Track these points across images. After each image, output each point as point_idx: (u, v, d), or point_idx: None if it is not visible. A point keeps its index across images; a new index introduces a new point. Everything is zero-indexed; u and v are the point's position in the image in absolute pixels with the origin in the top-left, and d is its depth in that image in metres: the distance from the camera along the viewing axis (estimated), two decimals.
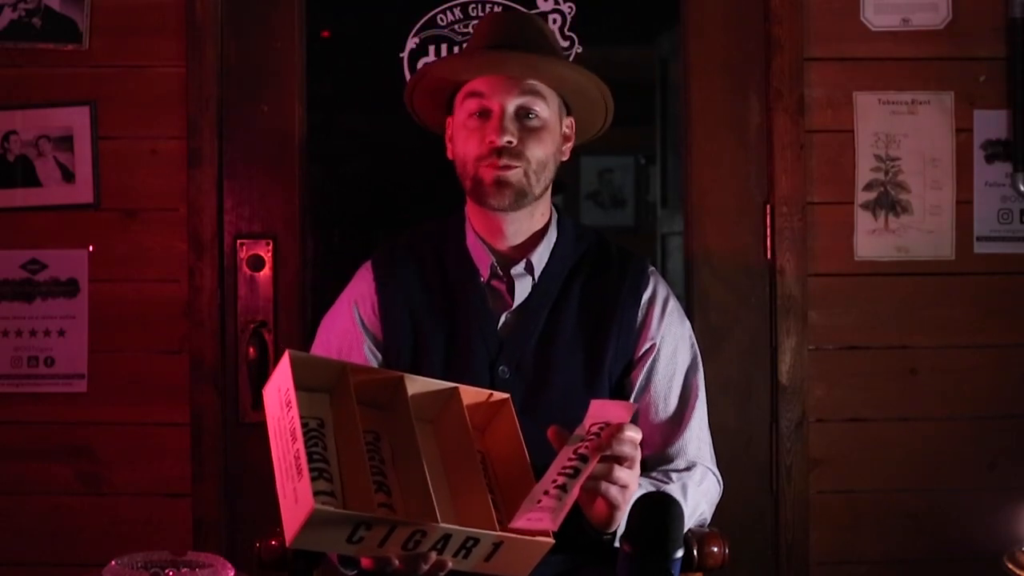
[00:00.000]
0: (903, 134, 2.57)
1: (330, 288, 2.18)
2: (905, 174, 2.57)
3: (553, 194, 2.07)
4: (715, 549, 1.90)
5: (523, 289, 2.00)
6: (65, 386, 2.53)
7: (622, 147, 2.89)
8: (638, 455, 1.61)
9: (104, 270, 2.54)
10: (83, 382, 2.53)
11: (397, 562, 1.54)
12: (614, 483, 1.59)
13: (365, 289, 2.04)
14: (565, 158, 2.05)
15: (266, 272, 2.55)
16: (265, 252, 2.55)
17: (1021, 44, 2.54)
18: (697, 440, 1.99)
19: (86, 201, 2.54)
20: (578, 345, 1.97)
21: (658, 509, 1.53)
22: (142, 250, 2.54)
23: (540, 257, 2.01)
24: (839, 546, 2.56)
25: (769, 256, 2.57)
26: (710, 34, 2.60)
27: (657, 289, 2.04)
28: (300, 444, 1.52)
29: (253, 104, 2.57)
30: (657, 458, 1.96)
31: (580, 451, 1.57)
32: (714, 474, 2.01)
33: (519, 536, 1.57)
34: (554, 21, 2.59)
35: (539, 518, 1.52)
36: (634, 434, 1.59)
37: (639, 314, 2.01)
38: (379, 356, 2.00)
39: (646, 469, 1.89)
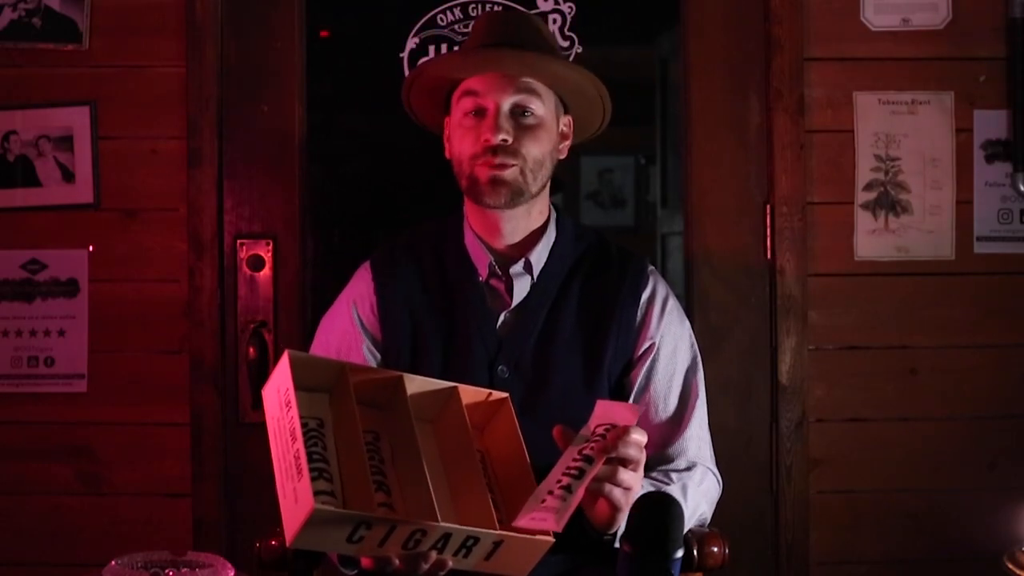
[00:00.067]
0: (903, 134, 2.57)
1: (330, 288, 2.18)
2: (905, 174, 2.57)
3: (551, 193, 2.06)
4: (715, 549, 1.90)
5: (522, 288, 2.00)
6: (65, 386, 2.53)
7: (622, 147, 2.89)
8: (643, 458, 1.61)
9: (104, 270, 2.54)
10: (83, 382, 2.53)
11: (397, 561, 1.54)
12: (618, 485, 1.59)
13: (364, 289, 2.04)
14: (563, 156, 2.05)
15: (266, 272, 2.55)
16: (265, 252, 2.55)
17: (1021, 44, 2.54)
18: (697, 440, 1.99)
19: (86, 201, 2.54)
20: (577, 344, 1.97)
21: (658, 509, 1.53)
22: (142, 250, 2.54)
23: (539, 256, 2.01)
24: (839, 546, 2.56)
25: (769, 256, 2.57)
26: (710, 34, 2.60)
27: (656, 288, 2.03)
28: (300, 444, 1.52)
29: (253, 104, 2.57)
30: (657, 458, 1.95)
31: (585, 452, 1.57)
32: (714, 474, 2.00)
33: (519, 535, 1.57)
34: (554, 21, 2.59)
35: (543, 518, 1.52)
36: (640, 437, 1.59)
37: (638, 313, 2.00)
38: (378, 356, 2.00)
39: (646, 469, 1.89)
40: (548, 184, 2.02)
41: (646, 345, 2.00)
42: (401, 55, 2.60)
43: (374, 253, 2.09)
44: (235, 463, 2.54)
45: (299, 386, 1.58)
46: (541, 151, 1.95)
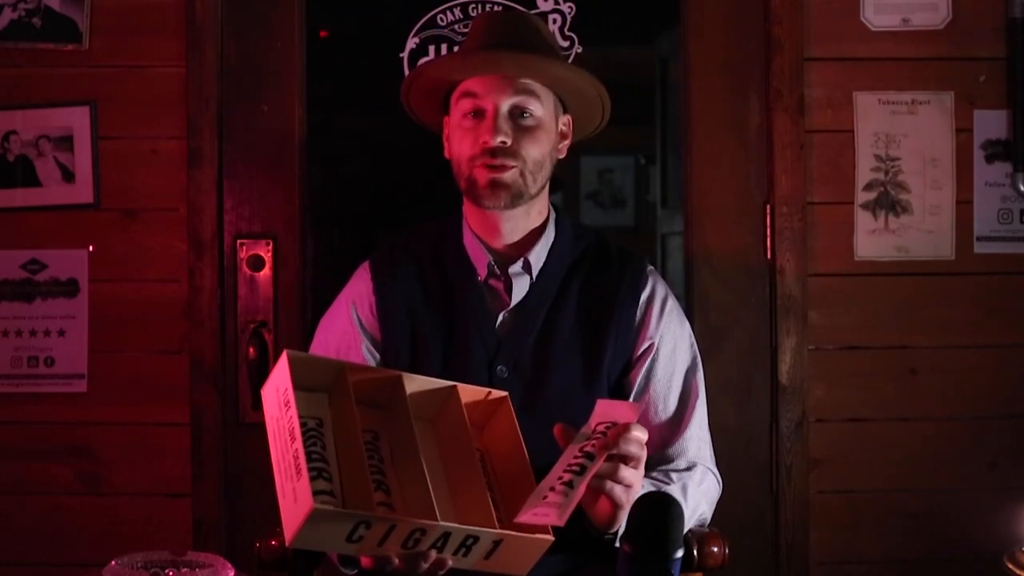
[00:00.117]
0: (903, 134, 2.57)
1: (330, 288, 2.18)
2: (905, 174, 2.57)
3: (551, 192, 2.06)
4: (715, 549, 1.90)
5: (521, 288, 2.00)
6: (65, 386, 2.53)
7: (622, 147, 2.89)
8: (644, 455, 1.61)
9: (104, 270, 2.54)
10: (83, 382, 2.53)
11: (397, 561, 1.54)
12: (619, 482, 1.60)
13: (363, 289, 2.04)
14: (562, 156, 2.05)
15: (266, 272, 2.55)
16: (265, 252, 2.55)
17: (1021, 44, 2.54)
18: (697, 440, 1.99)
19: (86, 201, 2.54)
20: (576, 344, 1.97)
21: (658, 509, 1.53)
22: (142, 250, 2.54)
23: (538, 256, 2.01)
24: (839, 546, 2.56)
25: (769, 256, 2.57)
26: (710, 34, 2.60)
27: (656, 288, 2.03)
28: (299, 444, 1.52)
29: (253, 104, 2.57)
30: (657, 458, 1.95)
31: (586, 449, 1.57)
32: (714, 474, 2.00)
33: (519, 534, 1.57)
34: (554, 21, 2.59)
35: (545, 513, 1.52)
36: (641, 434, 1.60)
37: (638, 313, 2.00)
38: (377, 356, 2.00)
39: (646, 469, 1.89)
40: (547, 184, 2.02)
41: (645, 345, 1.99)
42: (401, 55, 2.60)
43: (373, 253, 2.09)
44: (235, 463, 2.54)
45: (298, 386, 1.58)
46: (540, 152, 1.95)
